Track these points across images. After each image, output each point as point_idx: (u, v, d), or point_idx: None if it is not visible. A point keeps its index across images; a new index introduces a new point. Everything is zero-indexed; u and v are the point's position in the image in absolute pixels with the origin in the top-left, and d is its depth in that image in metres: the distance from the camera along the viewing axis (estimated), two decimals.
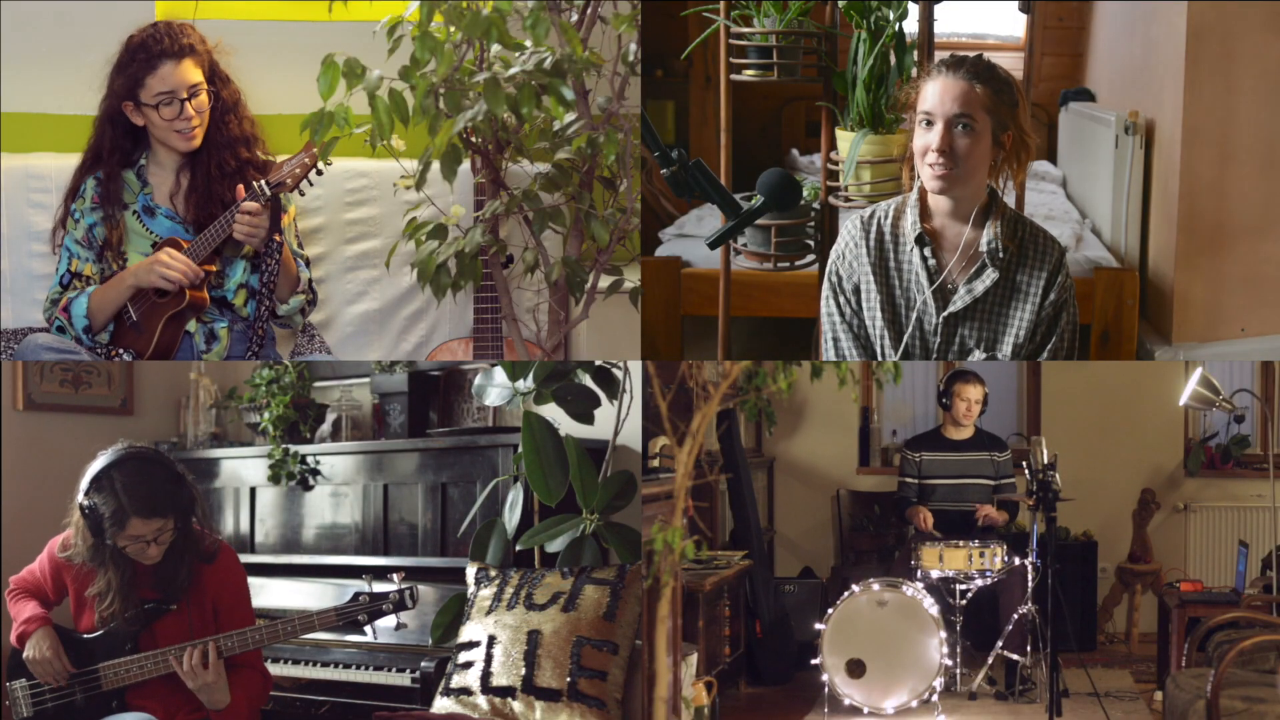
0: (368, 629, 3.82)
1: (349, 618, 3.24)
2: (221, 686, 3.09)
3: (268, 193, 3.59)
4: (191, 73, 3.66)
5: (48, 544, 3.26)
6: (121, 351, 3.71)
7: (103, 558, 3.12)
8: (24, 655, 3.09)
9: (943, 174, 2.93)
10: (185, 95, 3.64)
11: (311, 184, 3.66)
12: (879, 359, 3.07)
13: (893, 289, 3.07)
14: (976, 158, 2.94)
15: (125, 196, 3.78)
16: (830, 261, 3.15)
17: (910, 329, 3.05)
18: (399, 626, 3.36)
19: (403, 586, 3.30)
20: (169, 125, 3.67)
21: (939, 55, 3.35)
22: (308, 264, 3.96)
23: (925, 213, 3.06)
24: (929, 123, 2.94)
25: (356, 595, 3.27)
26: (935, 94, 2.94)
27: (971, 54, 3.01)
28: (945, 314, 3.03)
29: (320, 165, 3.62)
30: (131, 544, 3.09)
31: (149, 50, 3.65)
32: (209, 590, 3.22)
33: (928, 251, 3.03)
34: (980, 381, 5.39)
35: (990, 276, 3.01)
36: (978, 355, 3.05)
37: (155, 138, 3.75)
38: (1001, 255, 3.00)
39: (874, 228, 3.09)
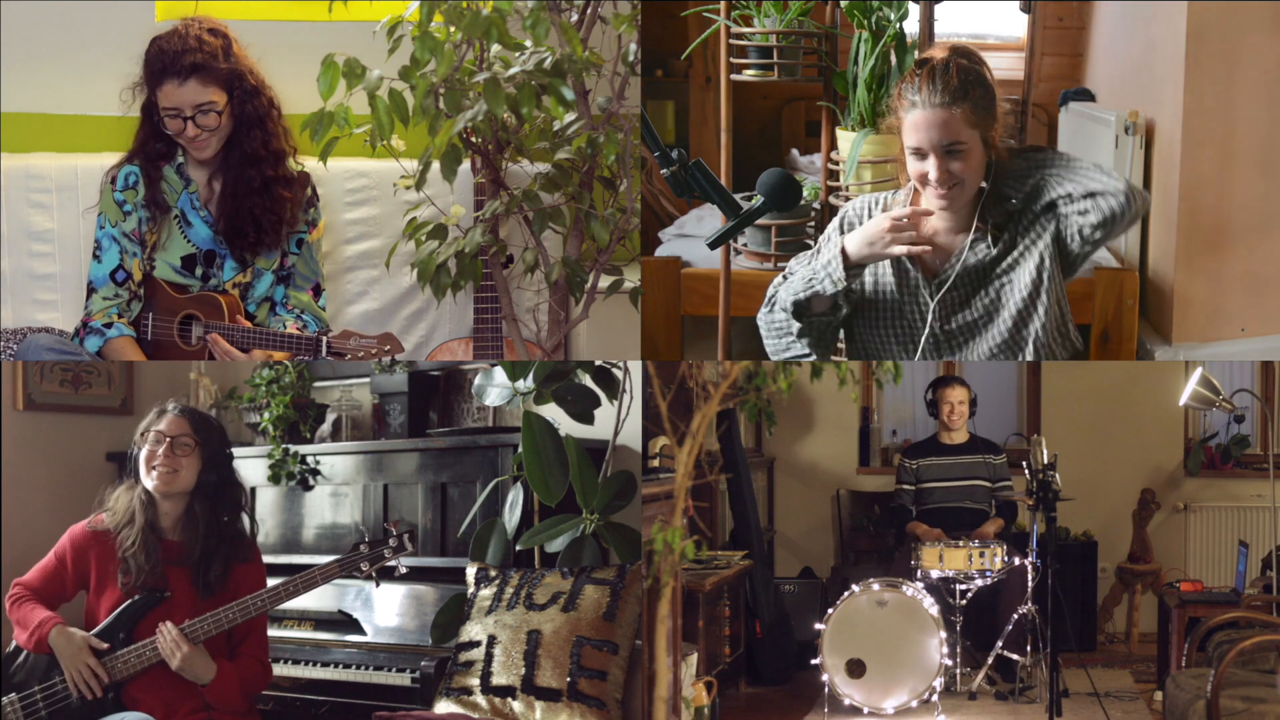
0: (368, 628, 3.82)
1: (351, 566, 3.28)
2: (200, 658, 3.11)
3: (324, 353, 3.52)
4: (197, 93, 3.55)
5: (67, 532, 3.29)
6: None
7: (131, 512, 3.21)
8: (61, 655, 3.08)
9: (947, 194, 2.93)
10: (189, 114, 3.56)
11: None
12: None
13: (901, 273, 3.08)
14: (973, 169, 2.94)
15: (169, 197, 3.70)
16: (841, 218, 3.14)
17: (926, 325, 3.04)
18: (400, 576, 3.37)
19: (401, 531, 3.32)
20: (177, 136, 3.62)
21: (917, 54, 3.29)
22: (319, 291, 3.89)
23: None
24: (921, 155, 2.93)
25: (356, 545, 3.30)
26: (920, 129, 2.91)
27: (939, 61, 2.91)
28: (939, 296, 3.02)
29: (396, 357, 3.64)
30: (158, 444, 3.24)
31: (152, 67, 3.57)
32: (232, 585, 3.26)
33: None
34: (962, 384, 5.39)
35: (982, 249, 2.99)
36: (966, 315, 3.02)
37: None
38: (1001, 229, 2.98)
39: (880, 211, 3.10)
